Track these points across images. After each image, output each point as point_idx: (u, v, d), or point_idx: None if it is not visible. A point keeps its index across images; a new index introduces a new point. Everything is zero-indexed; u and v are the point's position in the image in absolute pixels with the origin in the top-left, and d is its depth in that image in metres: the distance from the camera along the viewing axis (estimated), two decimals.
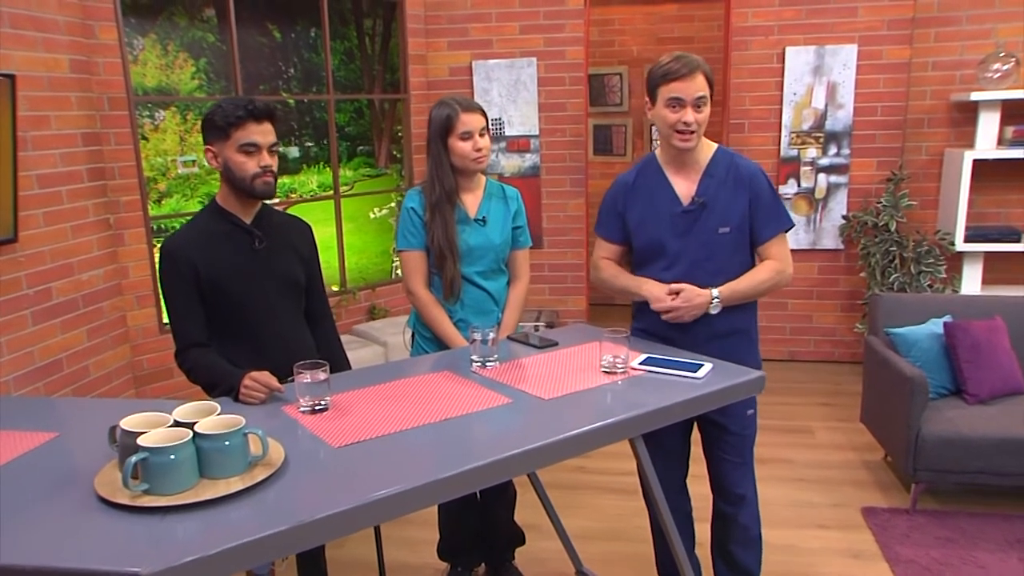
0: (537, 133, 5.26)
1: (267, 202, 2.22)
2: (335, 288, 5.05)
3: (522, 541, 2.91)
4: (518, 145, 5.29)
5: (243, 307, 2.12)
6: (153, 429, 1.47)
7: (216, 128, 2.03)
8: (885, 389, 3.46)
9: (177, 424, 1.53)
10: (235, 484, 1.45)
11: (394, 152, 5.45)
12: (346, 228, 5.14)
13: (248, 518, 1.38)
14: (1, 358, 3.20)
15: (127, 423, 1.48)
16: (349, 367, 2.39)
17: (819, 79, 4.88)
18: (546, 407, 1.88)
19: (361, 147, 5.44)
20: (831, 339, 5.23)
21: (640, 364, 2.13)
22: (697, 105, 2.15)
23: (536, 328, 4.92)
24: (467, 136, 2.44)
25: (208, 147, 2.07)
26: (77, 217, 3.62)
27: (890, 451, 3.48)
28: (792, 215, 5.06)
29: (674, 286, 2.24)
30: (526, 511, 3.02)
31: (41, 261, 3.41)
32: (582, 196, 5.31)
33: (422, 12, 5.18)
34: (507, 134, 5.28)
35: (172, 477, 1.42)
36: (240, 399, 1.92)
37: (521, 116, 5.24)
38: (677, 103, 2.15)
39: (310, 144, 5.13)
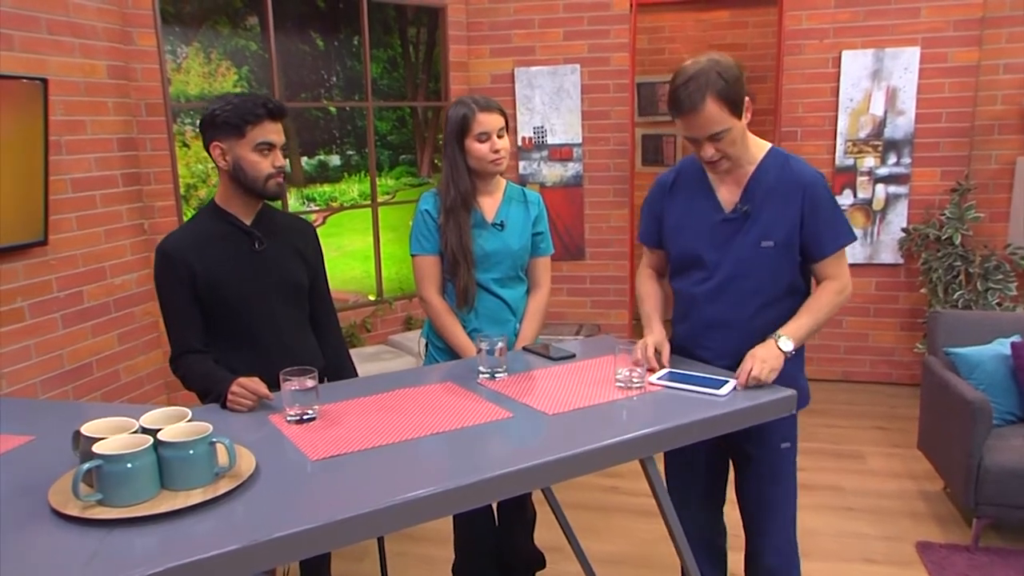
0: (580, 142, 5.12)
1: (271, 203, 2.15)
2: (371, 297, 4.99)
3: (542, 564, 2.76)
4: (560, 154, 5.16)
5: (241, 311, 2.04)
6: (115, 435, 1.39)
7: (229, 125, 1.95)
8: (944, 414, 3.20)
9: (144, 431, 1.44)
10: (195, 496, 1.35)
11: (436, 161, 5.39)
12: (387, 237, 5.08)
13: (204, 534, 1.28)
14: (30, 360, 3.22)
15: (89, 428, 1.40)
16: (355, 375, 2.29)
17: (878, 84, 4.62)
18: (549, 423, 1.74)
19: (403, 156, 5.39)
20: (889, 359, 4.92)
21: (659, 379, 1.97)
22: (715, 139, 1.88)
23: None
24: (484, 137, 2.33)
25: (216, 144, 1.97)
26: (110, 221, 3.64)
27: (949, 481, 3.21)
28: None
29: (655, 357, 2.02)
30: (549, 532, 2.86)
31: (73, 264, 3.42)
32: (626, 207, 5.15)
33: (464, 19, 5.11)
34: (549, 142, 5.16)
35: (128, 487, 1.33)
36: (227, 406, 1.83)
37: (564, 124, 5.12)
38: (693, 140, 1.92)
39: (351, 152, 5.11)
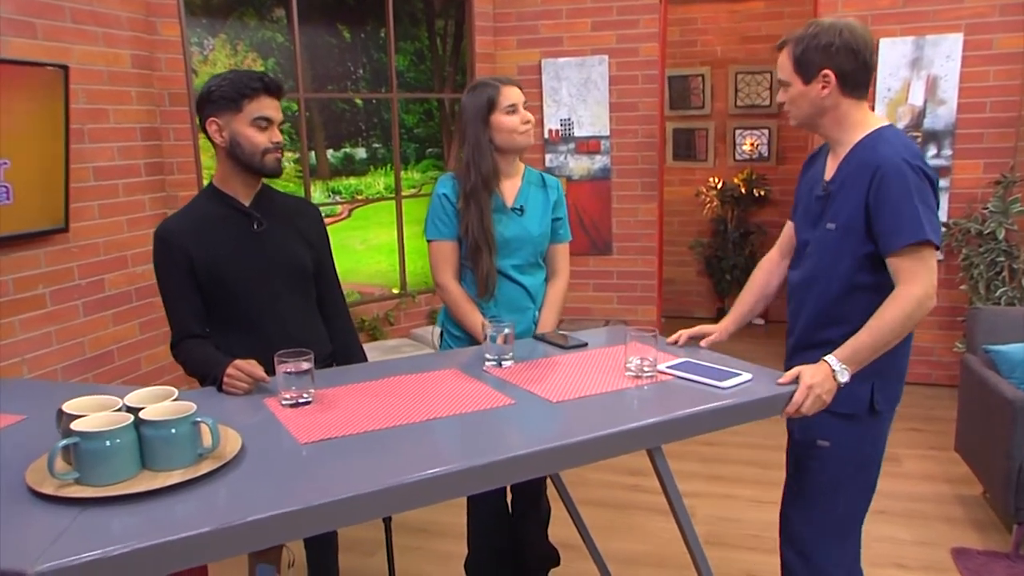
0: (608, 134, 5.03)
1: (275, 185, 2.10)
2: (395, 291, 4.96)
3: (556, 561, 2.68)
4: (587, 147, 5.08)
5: (242, 294, 2.00)
6: (97, 413, 1.35)
7: (225, 100, 1.91)
8: (983, 414, 3.04)
9: (128, 409, 1.40)
10: (176, 476, 1.31)
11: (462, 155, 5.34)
12: (412, 231, 5.04)
13: (182, 515, 1.23)
14: (51, 347, 3.24)
15: (71, 406, 1.37)
16: (365, 361, 2.25)
17: (917, 73, 4.45)
18: (551, 411, 1.67)
19: (430, 149, 5.36)
20: (927, 359, 4.73)
21: (670, 368, 1.88)
22: (783, 86, 1.89)
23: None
24: (512, 109, 2.30)
25: (213, 119, 1.93)
26: (133, 210, 3.65)
27: (988, 485, 3.06)
28: None
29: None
30: (565, 529, 2.78)
31: (95, 252, 3.44)
32: (655, 200, 5.04)
33: (491, 9, 5.05)
34: (576, 135, 5.07)
35: (107, 466, 1.29)
36: (223, 389, 1.79)
37: (591, 116, 5.03)
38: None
39: (377, 145, 5.08)
